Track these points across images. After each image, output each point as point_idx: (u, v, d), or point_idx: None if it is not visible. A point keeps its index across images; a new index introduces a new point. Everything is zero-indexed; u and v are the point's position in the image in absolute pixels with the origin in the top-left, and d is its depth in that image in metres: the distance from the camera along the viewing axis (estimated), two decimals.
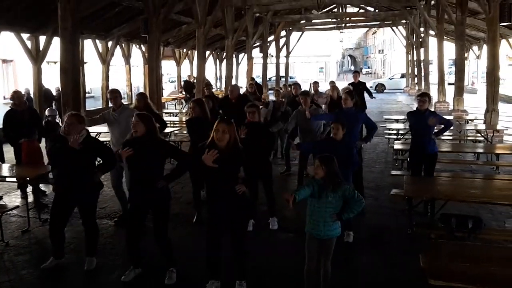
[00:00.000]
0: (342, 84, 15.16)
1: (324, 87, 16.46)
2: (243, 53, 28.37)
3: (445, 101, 18.89)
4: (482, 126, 11.42)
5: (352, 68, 75.97)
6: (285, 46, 29.29)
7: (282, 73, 29.27)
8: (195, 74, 18.62)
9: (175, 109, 22.42)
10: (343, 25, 29.40)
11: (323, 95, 11.19)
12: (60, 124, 8.22)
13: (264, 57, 25.43)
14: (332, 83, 11.46)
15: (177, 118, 15.34)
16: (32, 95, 14.74)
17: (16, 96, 7.80)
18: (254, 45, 23.76)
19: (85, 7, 12.59)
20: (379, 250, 5.38)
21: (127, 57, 20.62)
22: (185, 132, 9.72)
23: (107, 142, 9.91)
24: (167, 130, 9.91)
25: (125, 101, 11.18)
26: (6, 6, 11.94)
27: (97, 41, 18.09)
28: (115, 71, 22.55)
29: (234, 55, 22.28)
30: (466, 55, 22.61)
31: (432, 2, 20.34)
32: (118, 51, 19.34)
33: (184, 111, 18.60)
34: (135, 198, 4.59)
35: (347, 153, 5.14)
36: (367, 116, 6.70)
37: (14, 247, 5.54)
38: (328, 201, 3.94)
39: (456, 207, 5.79)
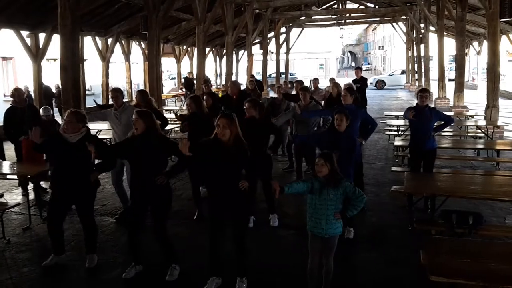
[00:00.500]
0: (342, 81, 15.12)
1: (324, 84, 16.43)
2: (243, 50, 28.34)
3: (446, 97, 18.90)
4: (482, 122, 11.41)
5: (353, 64, 75.85)
6: (285, 43, 29.27)
7: (282, 69, 29.26)
8: (195, 71, 18.62)
9: (175, 106, 22.40)
10: (343, 21, 29.40)
11: (321, 92, 11.18)
12: (58, 121, 8.22)
13: (264, 54, 25.43)
14: (332, 80, 11.46)
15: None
16: (31, 93, 14.74)
17: (16, 93, 7.79)
18: (254, 42, 23.78)
19: (84, 4, 12.53)
20: (379, 246, 5.38)
21: (127, 54, 20.61)
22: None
23: (109, 140, 9.93)
24: (167, 127, 9.90)
25: (125, 99, 11.12)
26: (6, 3, 11.95)
27: (96, 38, 18.07)
28: (115, 68, 22.53)
29: (234, 52, 22.29)
30: (466, 51, 22.58)
31: None
32: (118, 48, 19.33)
33: (184, 107, 18.57)
34: (136, 195, 4.60)
35: (349, 145, 5.15)
36: (366, 113, 6.69)
37: (15, 245, 5.55)
38: (329, 199, 3.93)
39: (456, 203, 5.80)
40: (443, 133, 8.80)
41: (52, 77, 17.38)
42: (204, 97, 7.59)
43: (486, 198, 5.73)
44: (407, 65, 33.01)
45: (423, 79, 24.24)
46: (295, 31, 30.36)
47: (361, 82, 12.88)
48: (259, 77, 24.09)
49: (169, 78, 33.77)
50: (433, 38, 22.24)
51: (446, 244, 3.95)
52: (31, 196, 7.22)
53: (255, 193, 6.05)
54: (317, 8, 25.45)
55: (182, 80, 23.86)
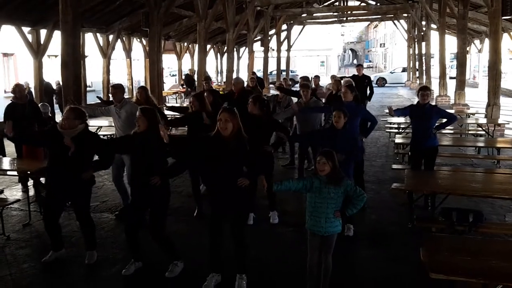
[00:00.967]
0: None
1: (325, 81, 16.41)
2: (244, 47, 28.31)
3: (447, 95, 18.87)
4: (483, 120, 11.41)
5: (355, 62, 75.73)
6: (286, 40, 29.22)
7: (283, 67, 29.23)
8: (196, 68, 18.61)
9: (176, 103, 22.40)
10: (345, 18, 29.31)
11: (322, 89, 11.17)
12: (56, 118, 8.22)
13: (265, 51, 25.40)
14: (334, 77, 11.42)
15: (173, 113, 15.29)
16: (32, 89, 14.74)
17: (17, 89, 7.79)
18: (255, 39, 23.72)
19: (86, 0, 12.57)
20: (379, 244, 5.38)
21: (128, 50, 20.59)
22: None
23: (111, 136, 9.93)
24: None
25: (125, 95, 11.09)
26: None
27: (98, 34, 18.06)
28: (116, 64, 22.54)
29: (235, 49, 22.24)
30: (467, 49, 22.53)
31: None
32: (119, 44, 19.31)
33: (184, 105, 18.56)
34: (135, 192, 4.60)
35: (348, 142, 5.14)
36: (366, 110, 6.67)
37: (15, 241, 5.55)
38: (330, 197, 3.91)
39: (456, 201, 5.80)
40: (443, 131, 8.77)
41: (53, 74, 17.39)
42: (205, 94, 7.57)
43: (487, 196, 5.73)
44: (408, 63, 32.98)
45: (424, 77, 24.21)
46: (296, 28, 30.31)
47: (366, 80, 12.79)
48: (260, 74, 24.07)
49: (170, 75, 33.79)
50: (434, 35, 22.18)
51: (446, 241, 3.95)
52: (31, 192, 7.23)
53: (255, 190, 6.03)
54: (319, 5, 25.46)
55: (183, 77, 23.86)
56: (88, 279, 4.65)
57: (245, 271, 4.33)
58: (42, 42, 14.17)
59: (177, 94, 23.55)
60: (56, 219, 4.90)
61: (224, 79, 20.41)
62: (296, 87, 12.18)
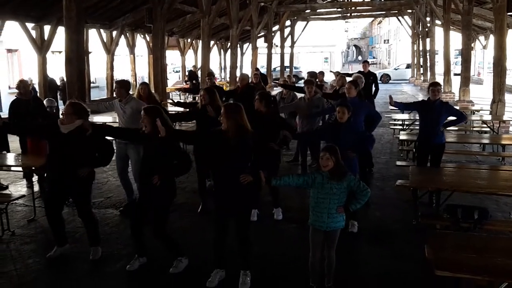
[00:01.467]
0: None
1: (329, 78, 16.37)
2: (248, 43, 28.30)
3: (451, 91, 18.80)
4: (488, 117, 11.36)
5: (360, 58, 75.53)
6: (289, 36, 29.18)
7: (286, 63, 29.19)
8: (199, 64, 18.59)
9: (180, 99, 22.37)
10: (348, 14, 29.23)
11: (326, 85, 11.15)
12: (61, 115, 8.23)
13: (268, 47, 25.35)
14: (337, 73, 11.38)
15: (181, 109, 15.29)
16: (36, 85, 14.77)
17: (22, 85, 7.79)
18: (258, 35, 23.70)
19: None
20: (383, 240, 5.37)
21: (131, 46, 20.61)
22: (190, 123, 9.67)
23: None
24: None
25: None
26: None
27: (101, 30, 18.07)
28: (119, 61, 22.53)
29: (238, 45, 22.22)
30: (472, 45, 22.42)
31: None
32: (122, 40, 19.33)
33: (188, 101, 18.56)
34: (140, 188, 4.62)
35: (351, 136, 5.13)
36: (370, 105, 6.63)
37: (20, 236, 5.57)
38: (332, 193, 3.90)
39: (461, 198, 5.78)
40: (448, 128, 8.75)
41: (57, 70, 17.42)
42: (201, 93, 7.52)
43: (491, 193, 5.72)
44: (413, 59, 32.87)
45: (429, 73, 24.13)
46: (300, 25, 30.25)
47: (371, 77, 12.72)
48: (263, 70, 24.03)
49: (173, 71, 33.75)
50: (439, 32, 22.10)
51: (451, 238, 3.93)
52: (36, 188, 7.26)
53: (260, 188, 6.00)
54: (323, 1, 25.37)
55: (187, 73, 23.86)
56: (93, 275, 4.67)
57: (249, 267, 4.32)
58: (46, 38, 14.20)
59: (180, 91, 23.53)
60: (58, 213, 4.90)
61: (228, 75, 20.40)
62: (300, 84, 12.11)
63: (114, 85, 6.57)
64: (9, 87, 18.61)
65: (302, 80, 9.89)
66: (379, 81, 13.74)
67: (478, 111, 12.99)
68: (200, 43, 19.15)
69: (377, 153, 9.82)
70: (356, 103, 6.20)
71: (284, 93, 9.20)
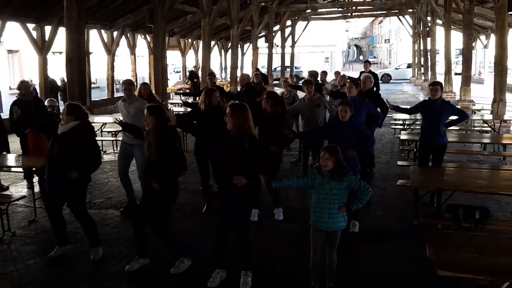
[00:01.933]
0: (347, 74, 14.99)
1: (329, 77, 16.35)
2: (248, 43, 28.28)
3: (452, 91, 18.78)
4: (489, 116, 11.34)
5: (361, 58, 75.48)
6: (290, 36, 29.16)
7: (287, 63, 29.17)
8: (200, 65, 18.59)
9: (180, 99, 22.35)
10: (349, 14, 29.21)
11: (327, 84, 11.14)
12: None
13: (269, 47, 25.33)
14: (337, 73, 11.37)
15: (182, 109, 15.30)
16: (36, 86, 14.77)
17: (23, 86, 7.79)
18: (259, 35, 23.69)
19: None
20: (384, 240, 5.37)
21: (132, 47, 20.60)
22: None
23: (115, 132, 9.94)
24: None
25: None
26: None
27: (102, 31, 18.06)
28: (120, 61, 22.54)
29: (239, 45, 22.21)
30: (473, 44, 22.40)
31: None
32: (123, 41, 19.32)
33: (189, 101, 18.55)
34: (144, 189, 4.62)
35: (353, 135, 5.12)
36: (370, 105, 6.61)
37: (20, 237, 5.57)
38: (332, 193, 3.90)
39: (462, 198, 5.77)
40: (449, 127, 8.74)
41: (58, 70, 17.42)
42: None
43: (492, 193, 5.70)
44: (413, 59, 32.84)
45: (430, 73, 24.10)
46: (300, 24, 30.24)
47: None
48: (264, 70, 24.02)
49: (174, 71, 33.74)
50: (440, 31, 22.08)
51: (452, 238, 3.92)
52: (36, 188, 7.25)
53: (259, 189, 5.99)
54: (323, 0, 25.35)
55: (188, 74, 23.85)
56: (93, 275, 4.66)
57: (250, 268, 4.32)
58: (46, 38, 14.19)
59: (181, 91, 23.51)
60: (57, 213, 4.89)
61: (228, 76, 20.39)
62: (300, 84, 12.11)
63: (123, 85, 6.52)
64: (10, 88, 18.63)
65: (302, 80, 9.90)
66: (380, 81, 13.71)
67: (479, 110, 12.98)
68: (200, 43, 19.12)
69: (378, 153, 9.80)
70: (357, 102, 6.20)
71: (285, 94, 9.20)
